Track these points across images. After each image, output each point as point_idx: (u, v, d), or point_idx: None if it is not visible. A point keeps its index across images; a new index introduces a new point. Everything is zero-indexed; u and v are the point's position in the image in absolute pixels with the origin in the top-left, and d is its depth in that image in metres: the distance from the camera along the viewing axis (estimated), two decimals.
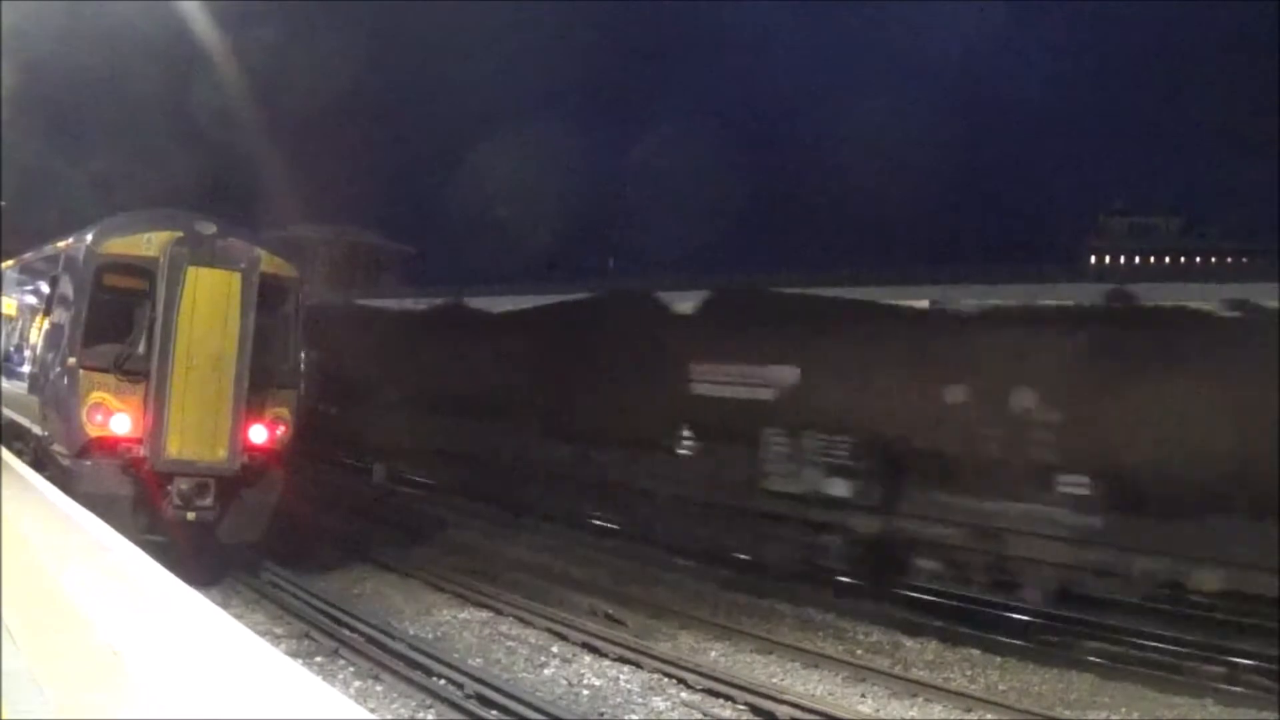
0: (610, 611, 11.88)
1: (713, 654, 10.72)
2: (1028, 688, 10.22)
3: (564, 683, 9.40)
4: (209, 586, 10.53)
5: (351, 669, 9.29)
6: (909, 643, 11.55)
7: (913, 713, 9.43)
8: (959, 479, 12.69)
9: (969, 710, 9.39)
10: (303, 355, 12.65)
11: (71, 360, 11.20)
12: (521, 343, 19.68)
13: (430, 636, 10.54)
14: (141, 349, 11.18)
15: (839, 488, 13.52)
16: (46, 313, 12.68)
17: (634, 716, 8.73)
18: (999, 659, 11.00)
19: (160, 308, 10.90)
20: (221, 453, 11.09)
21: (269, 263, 11.60)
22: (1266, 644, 10.60)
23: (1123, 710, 9.68)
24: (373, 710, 7.95)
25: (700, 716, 8.83)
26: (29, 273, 14.78)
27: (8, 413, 14.02)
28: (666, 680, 9.54)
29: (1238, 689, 10.22)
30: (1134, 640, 11.33)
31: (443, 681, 8.82)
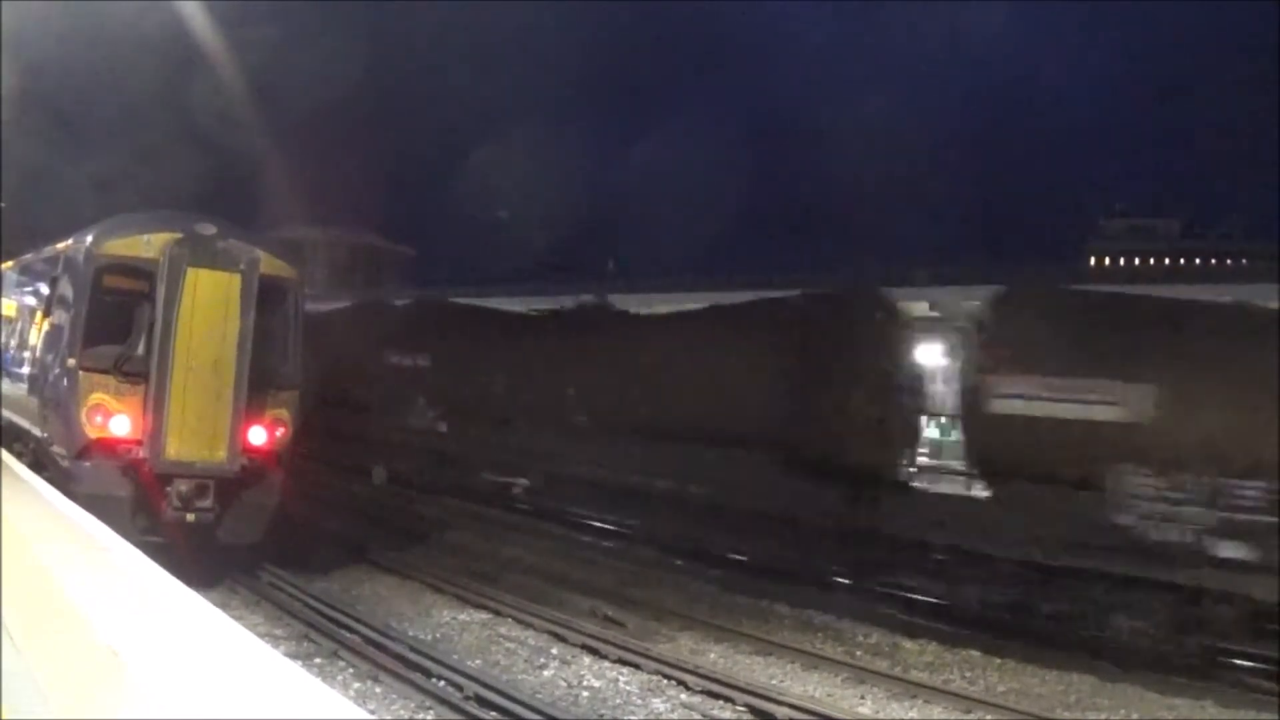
0: (610, 613, 11.88)
1: (712, 655, 10.72)
2: (1027, 689, 10.22)
3: (563, 684, 9.40)
4: (208, 588, 10.53)
5: (351, 670, 9.29)
6: (908, 644, 11.56)
7: (912, 714, 9.43)
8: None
9: (968, 711, 9.40)
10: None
11: (71, 361, 11.20)
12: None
13: (429, 638, 10.55)
14: (141, 350, 11.18)
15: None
16: (46, 314, 12.68)
17: (634, 718, 8.74)
18: (998, 660, 11.00)
19: (160, 309, 10.90)
20: (221, 454, 11.09)
21: (269, 264, 11.59)
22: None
23: (1122, 712, 9.69)
24: (372, 711, 7.95)
25: (700, 718, 8.83)
26: (29, 274, 14.78)
27: (7, 414, 14.02)
28: (666, 681, 9.55)
29: (1238, 691, 10.25)
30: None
31: (442, 683, 8.82)
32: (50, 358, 11.96)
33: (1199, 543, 10.86)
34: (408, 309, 25.47)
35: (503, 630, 11.06)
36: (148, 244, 11.27)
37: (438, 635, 10.72)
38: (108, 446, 11.06)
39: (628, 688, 9.41)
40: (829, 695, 9.68)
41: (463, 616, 11.52)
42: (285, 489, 12.13)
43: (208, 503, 11.09)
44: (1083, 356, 11.89)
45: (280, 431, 11.83)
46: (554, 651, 10.35)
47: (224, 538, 11.53)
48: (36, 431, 12.44)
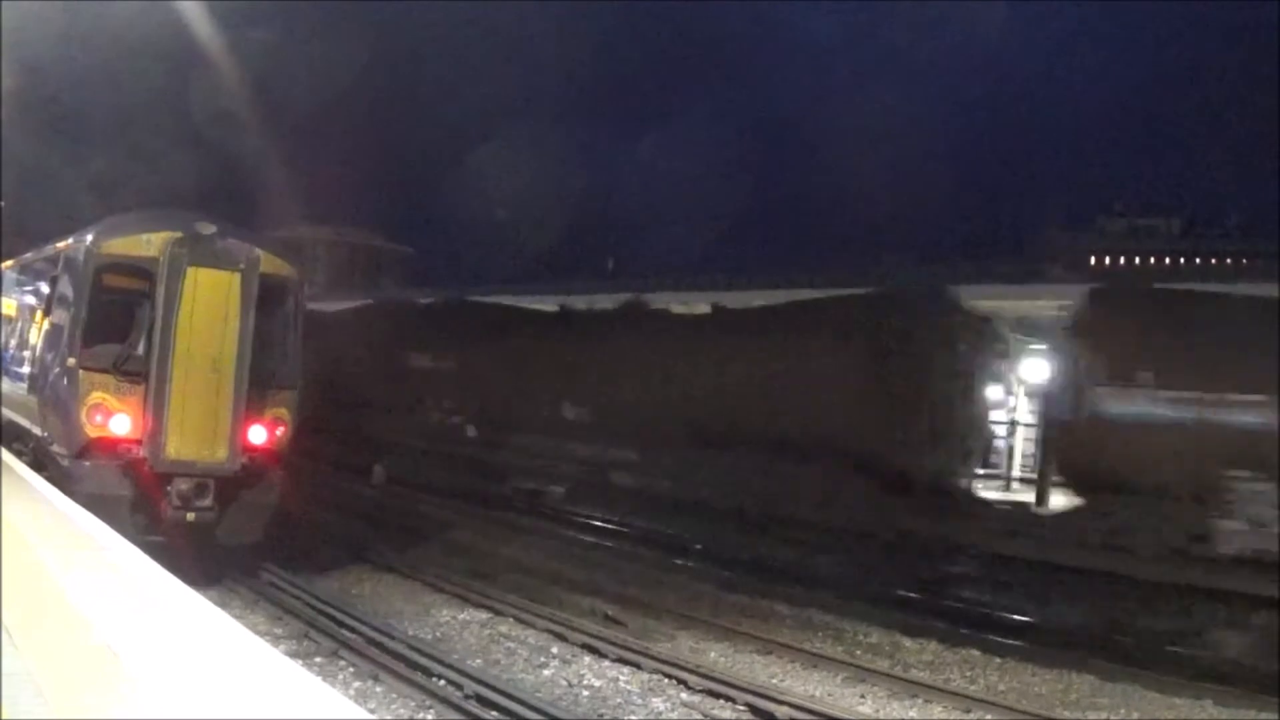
0: (610, 612, 11.88)
1: (712, 655, 10.71)
2: (1027, 688, 10.22)
3: (564, 683, 9.39)
4: (208, 587, 10.52)
5: (351, 669, 9.28)
6: (908, 643, 11.55)
7: (912, 713, 9.42)
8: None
9: (968, 711, 9.39)
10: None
11: (71, 361, 11.19)
12: None
13: (430, 637, 10.54)
14: (141, 349, 11.16)
15: None
16: (46, 313, 12.67)
17: (634, 717, 8.73)
18: (998, 660, 11.00)
19: (160, 308, 10.89)
20: (221, 453, 11.08)
21: (268, 263, 11.57)
22: None
23: (1122, 711, 9.69)
24: (372, 711, 7.95)
25: (700, 717, 8.82)
26: (29, 273, 14.77)
27: (7, 413, 14.01)
28: (666, 681, 9.54)
29: (1238, 689, 10.24)
30: None
31: (442, 682, 8.82)
32: (50, 357, 11.95)
33: None
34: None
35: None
36: (148, 243, 11.25)
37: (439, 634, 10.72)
38: (108, 446, 11.04)
39: (628, 687, 9.41)
40: (829, 694, 9.68)
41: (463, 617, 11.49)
42: (285, 488, 12.12)
43: (208, 502, 11.08)
44: None
45: (280, 430, 11.82)
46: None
47: (224, 537, 11.52)
48: (36, 431, 12.43)
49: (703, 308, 20.22)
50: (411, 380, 21.75)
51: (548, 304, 25.25)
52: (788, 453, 13.69)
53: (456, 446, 20.81)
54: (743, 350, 16.12)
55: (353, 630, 10.23)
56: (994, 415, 14.91)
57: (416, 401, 21.39)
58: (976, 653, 11.19)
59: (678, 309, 20.01)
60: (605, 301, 22.04)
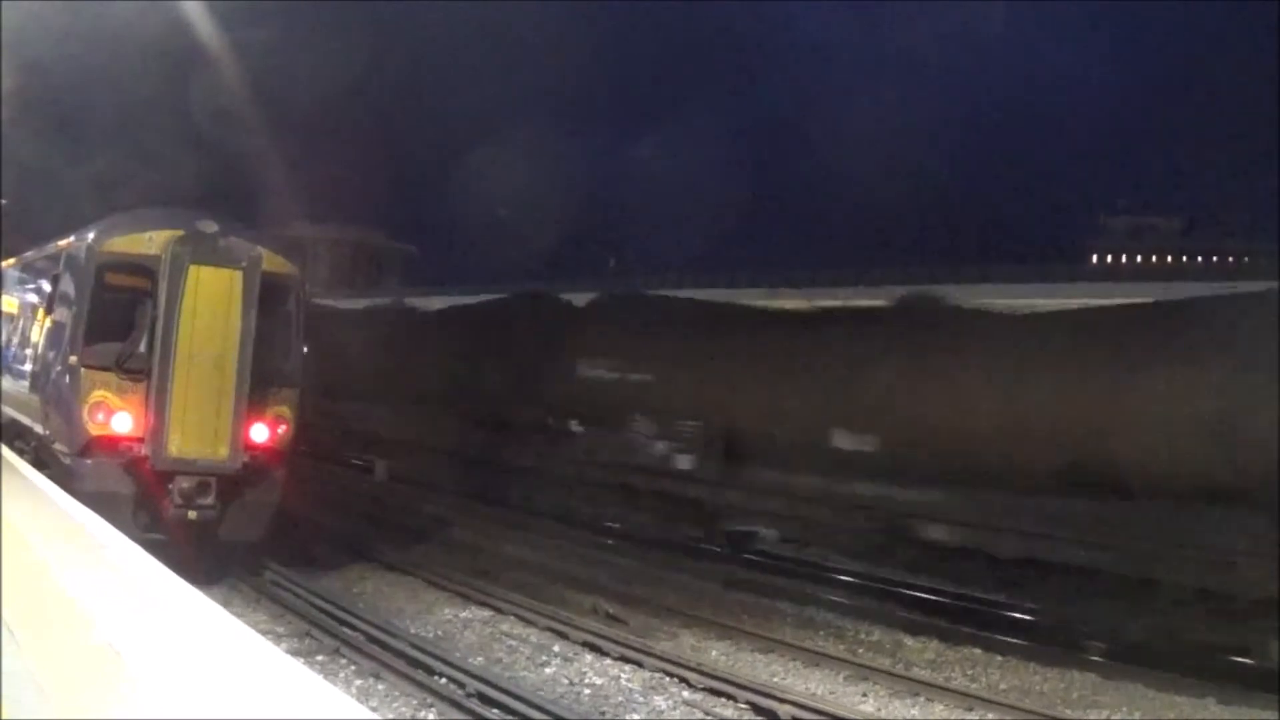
0: (612, 610, 11.87)
1: (714, 653, 10.71)
2: (1029, 687, 10.20)
3: (565, 682, 9.39)
4: (210, 585, 10.53)
5: (353, 668, 9.29)
6: (910, 642, 11.54)
7: (914, 712, 9.41)
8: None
9: (970, 709, 9.37)
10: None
11: (73, 359, 11.20)
12: None
13: (431, 635, 10.54)
14: (143, 347, 11.17)
15: None
16: (48, 311, 12.68)
17: (635, 716, 8.72)
18: (1000, 658, 10.98)
19: (162, 306, 10.90)
20: (223, 451, 11.09)
21: (270, 261, 11.59)
22: None
23: (1124, 710, 9.66)
24: (374, 709, 7.92)
25: (702, 715, 8.82)
26: (30, 271, 14.78)
27: (9, 411, 14.02)
28: (668, 679, 9.53)
29: (1239, 688, 10.21)
30: None
31: (444, 680, 8.82)
32: (52, 355, 11.96)
33: None
34: None
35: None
36: (149, 241, 11.26)
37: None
38: (109, 444, 11.06)
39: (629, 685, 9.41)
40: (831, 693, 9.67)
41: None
42: (286, 486, 12.13)
43: (210, 500, 11.09)
44: None
45: (282, 429, 11.83)
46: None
47: (226, 535, 11.53)
48: (38, 429, 12.44)
49: (1019, 303, 15.77)
50: (580, 395, 17.43)
51: (785, 300, 20.57)
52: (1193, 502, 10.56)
53: (667, 482, 16.03)
54: (1099, 363, 11.72)
55: (354, 629, 10.23)
56: None
57: (593, 420, 17.11)
58: (978, 651, 11.18)
59: (974, 305, 15.13)
60: (861, 297, 17.70)
